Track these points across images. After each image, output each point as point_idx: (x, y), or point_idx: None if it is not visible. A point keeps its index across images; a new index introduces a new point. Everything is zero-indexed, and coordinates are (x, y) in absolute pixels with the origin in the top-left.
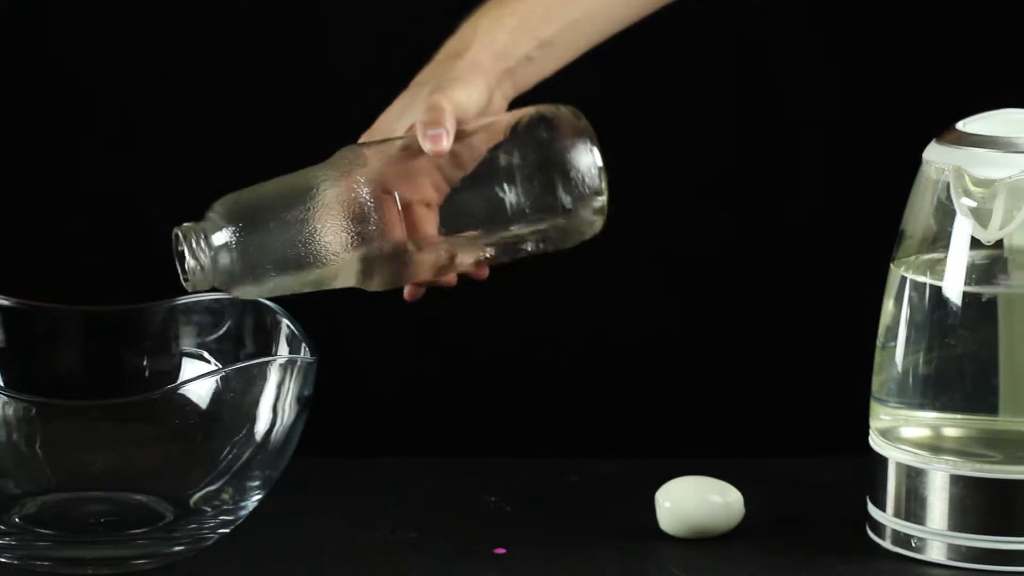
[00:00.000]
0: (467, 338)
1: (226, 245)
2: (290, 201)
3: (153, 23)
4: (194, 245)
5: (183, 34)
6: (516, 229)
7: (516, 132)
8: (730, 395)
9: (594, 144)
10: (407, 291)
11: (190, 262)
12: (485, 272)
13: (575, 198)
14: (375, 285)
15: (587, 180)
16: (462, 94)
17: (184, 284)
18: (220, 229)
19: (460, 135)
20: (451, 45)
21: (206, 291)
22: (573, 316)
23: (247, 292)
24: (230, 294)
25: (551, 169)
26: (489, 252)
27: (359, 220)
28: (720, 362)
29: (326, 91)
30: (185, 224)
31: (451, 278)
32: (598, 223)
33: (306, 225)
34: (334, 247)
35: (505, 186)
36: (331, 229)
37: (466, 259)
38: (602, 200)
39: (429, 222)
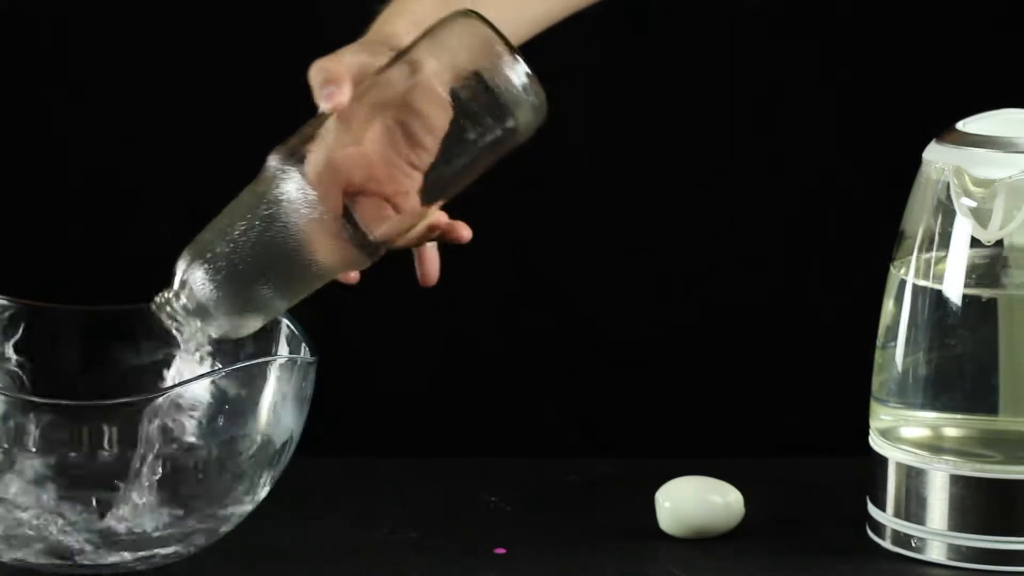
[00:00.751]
0: (467, 338)
1: (206, 293)
2: (240, 217)
3: (154, 23)
4: (174, 310)
5: (183, 34)
6: (466, 156)
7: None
8: (730, 395)
9: (501, 39)
10: (421, 273)
11: (182, 327)
12: (466, 232)
13: (511, 100)
14: (360, 259)
15: (513, 77)
16: (351, 56)
17: (187, 350)
18: (191, 279)
19: (379, 97)
20: (375, 24)
21: (212, 345)
22: (572, 316)
23: (251, 325)
24: (238, 335)
25: (480, 84)
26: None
27: (306, 205)
28: (720, 362)
29: None
30: (157, 297)
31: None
32: (540, 112)
33: (259, 232)
34: (294, 240)
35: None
36: (285, 224)
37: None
38: (533, 89)
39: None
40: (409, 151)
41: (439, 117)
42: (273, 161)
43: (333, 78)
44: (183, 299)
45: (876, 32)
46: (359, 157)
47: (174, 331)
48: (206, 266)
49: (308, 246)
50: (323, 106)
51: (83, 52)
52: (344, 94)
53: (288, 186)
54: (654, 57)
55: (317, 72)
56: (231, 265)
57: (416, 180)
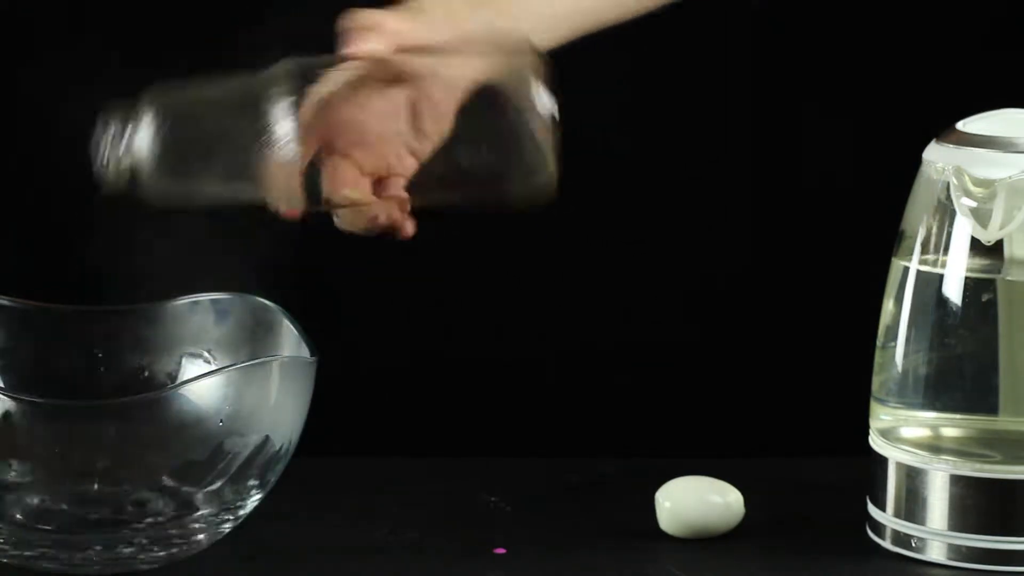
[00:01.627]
0: (468, 338)
1: (147, 141)
2: (223, 97)
3: (154, 21)
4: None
5: (185, 33)
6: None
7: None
8: (730, 395)
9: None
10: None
11: (108, 156)
12: (411, 229)
13: (526, 167)
14: (298, 203)
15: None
16: (395, 21)
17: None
18: (143, 121)
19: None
20: None
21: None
22: (573, 317)
23: (174, 195)
24: (161, 201)
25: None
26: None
27: (281, 132)
28: (720, 362)
29: None
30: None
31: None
32: (545, 187)
33: (225, 119)
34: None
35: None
36: (252, 129)
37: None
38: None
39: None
40: (412, 134)
41: (448, 113)
42: (286, 66)
43: (371, 25)
44: (125, 138)
45: (876, 32)
46: (354, 118)
47: (101, 163)
48: (160, 118)
49: (260, 164)
50: (352, 49)
51: (84, 51)
52: (375, 44)
53: (279, 99)
54: (652, 58)
55: (357, 17)
56: (188, 131)
57: (407, 166)
